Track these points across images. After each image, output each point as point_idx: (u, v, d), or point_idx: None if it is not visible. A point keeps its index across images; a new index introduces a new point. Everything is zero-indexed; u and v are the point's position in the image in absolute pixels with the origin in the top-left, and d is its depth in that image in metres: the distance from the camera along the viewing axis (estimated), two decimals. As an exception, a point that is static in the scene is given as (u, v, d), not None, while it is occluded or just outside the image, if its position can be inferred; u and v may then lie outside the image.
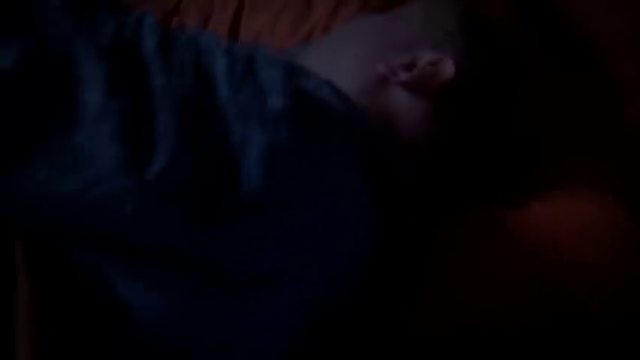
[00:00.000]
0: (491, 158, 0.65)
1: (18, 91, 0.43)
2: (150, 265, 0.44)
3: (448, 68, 0.61)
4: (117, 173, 0.42)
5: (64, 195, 0.42)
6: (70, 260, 0.44)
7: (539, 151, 0.70)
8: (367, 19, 0.74)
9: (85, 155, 0.42)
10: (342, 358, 0.57)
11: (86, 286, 0.45)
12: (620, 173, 0.71)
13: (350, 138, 0.53)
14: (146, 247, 0.44)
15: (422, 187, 0.61)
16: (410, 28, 0.66)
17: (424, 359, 0.57)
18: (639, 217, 0.65)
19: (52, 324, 0.43)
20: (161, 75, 0.46)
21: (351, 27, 0.72)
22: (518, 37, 0.76)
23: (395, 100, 0.62)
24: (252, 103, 0.47)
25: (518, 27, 0.79)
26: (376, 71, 0.62)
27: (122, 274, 0.45)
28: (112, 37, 0.47)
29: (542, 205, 0.64)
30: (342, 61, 0.65)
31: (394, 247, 0.58)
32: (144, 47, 0.47)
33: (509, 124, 0.66)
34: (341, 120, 0.53)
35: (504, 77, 0.66)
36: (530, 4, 0.85)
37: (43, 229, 0.44)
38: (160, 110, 0.44)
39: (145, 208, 0.43)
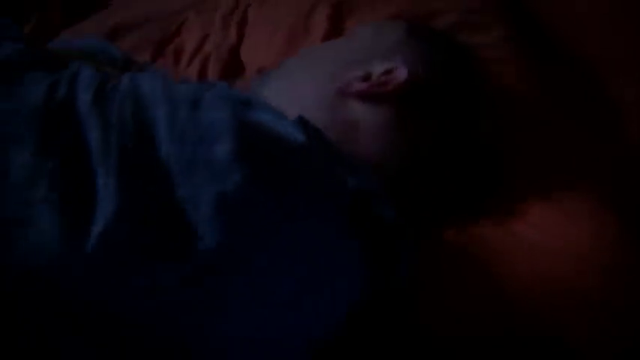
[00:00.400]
0: (455, 167, 0.66)
1: None
2: (90, 325, 0.42)
3: (401, 73, 0.62)
4: (54, 242, 0.40)
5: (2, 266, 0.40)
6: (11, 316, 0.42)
7: (502, 162, 0.70)
8: (321, 44, 0.78)
9: (19, 225, 0.40)
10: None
11: (27, 340, 0.42)
12: (605, 189, 0.71)
13: (312, 171, 0.49)
14: (87, 312, 0.42)
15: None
16: (362, 45, 0.69)
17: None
18: (626, 233, 0.65)
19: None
20: (97, 131, 0.44)
21: (306, 52, 0.75)
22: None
23: (354, 110, 0.63)
24: (197, 153, 0.44)
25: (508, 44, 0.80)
26: (334, 86, 0.64)
27: (62, 329, 0.42)
28: (45, 96, 0.45)
29: (520, 221, 0.64)
30: (301, 84, 0.67)
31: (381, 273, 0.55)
32: (79, 103, 0.45)
33: (470, 130, 0.67)
34: (301, 153, 0.49)
35: (458, 80, 0.67)
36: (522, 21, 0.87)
37: None
38: (97, 169, 0.42)
39: (85, 276, 0.40)
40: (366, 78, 0.64)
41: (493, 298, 0.59)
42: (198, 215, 0.42)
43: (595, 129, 0.79)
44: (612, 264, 0.62)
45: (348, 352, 0.56)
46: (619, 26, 0.87)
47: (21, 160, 0.41)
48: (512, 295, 0.59)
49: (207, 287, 0.43)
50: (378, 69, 0.64)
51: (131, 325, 0.42)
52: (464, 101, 0.67)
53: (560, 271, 0.60)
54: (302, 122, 0.51)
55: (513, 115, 0.74)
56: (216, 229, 0.42)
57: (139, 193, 0.42)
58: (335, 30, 0.86)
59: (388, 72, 0.63)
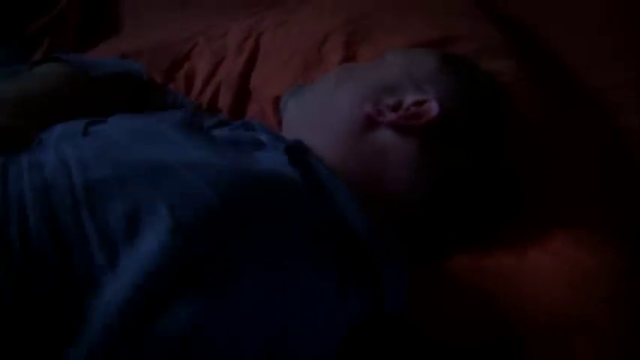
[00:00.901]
0: (477, 196, 0.65)
1: None
2: None
3: (432, 108, 0.61)
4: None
5: None
6: None
7: (522, 190, 0.69)
8: (352, 66, 0.76)
9: None
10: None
11: None
12: (617, 220, 0.70)
13: (286, 203, 0.49)
14: None
15: (409, 232, 0.61)
16: (393, 72, 0.68)
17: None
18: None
19: None
20: None
21: (336, 74, 0.73)
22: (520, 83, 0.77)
23: (382, 139, 0.62)
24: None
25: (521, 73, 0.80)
26: (363, 112, 0.63)
27: None
28: None
29: (533, 251, 0.63)
30: (331, 104, 0.66)
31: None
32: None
33: (496, 161, 0.66)
34: (279, 186, 0.50)
35: (487, 113, 0.66)
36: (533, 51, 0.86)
37: None
38: None
39: None
40: (397, 107, 0.63)
41: (496, 318, 0.59)
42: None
43: (607, 157, 0.79)
44: (622, 295, 0.60)
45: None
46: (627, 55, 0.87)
47: None
48: (517, 317, 0.58)
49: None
50: (409, 99, 0.63)
51: None
52: (492, 134, 0.66)
53: (568, 298, 0.59)
54: (292, 150, 0.54)
55: (535, 144, 0.73)
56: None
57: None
58: (349, 58, 0.85)
59: (419, 103, 0.63)
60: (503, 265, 0.62)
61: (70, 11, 1.07)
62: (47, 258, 0.43)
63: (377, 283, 0.52)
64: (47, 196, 0.45)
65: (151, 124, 0.58)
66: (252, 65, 0.90)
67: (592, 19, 0.89)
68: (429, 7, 0.90)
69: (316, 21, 0.91)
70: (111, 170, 0.46)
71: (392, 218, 0.60)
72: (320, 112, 0.66)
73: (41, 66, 0.74)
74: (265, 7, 1.03)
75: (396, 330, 0.57)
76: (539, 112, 0.77)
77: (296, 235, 0.48)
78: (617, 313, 0.59)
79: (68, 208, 0.44)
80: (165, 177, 0.46)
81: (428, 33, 0.83)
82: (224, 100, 0.88)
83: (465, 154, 0.63)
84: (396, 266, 0.53)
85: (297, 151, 0.56)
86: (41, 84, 0.68)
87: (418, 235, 0.63)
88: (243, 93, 0.88)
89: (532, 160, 0.71)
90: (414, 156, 0.61)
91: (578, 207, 0.70)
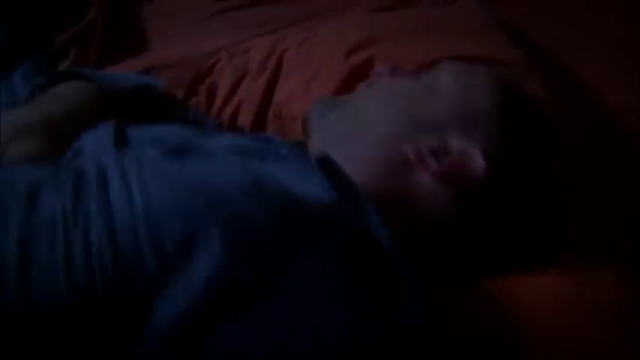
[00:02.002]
0: (514, 239, 0.62)
1: None
2: None
3: (478, 166, 0.57)
4: None
5: None
6: None
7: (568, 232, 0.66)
8: (396, 86, 0.69)
9: None
10: None
11: None
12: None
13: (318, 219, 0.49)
14: None
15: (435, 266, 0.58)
16: (442, 106, 0.62)
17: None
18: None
19: None
20: None
21: (379, 93, 0.68)
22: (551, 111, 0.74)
23: (418, 181, 0.59)
24: None
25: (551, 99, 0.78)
26: (402, 153, 0.59)
27: None
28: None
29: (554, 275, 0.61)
30: (365, 131, 0.63)
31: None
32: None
33: (538, 208, 0.63)
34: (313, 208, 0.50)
35: (538, 171, 0.62)
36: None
37: None
38: None
39: None
40: (439, 152, 0.59)
41: (512, 341, 0.57)
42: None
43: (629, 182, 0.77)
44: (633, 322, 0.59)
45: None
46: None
47: None
48: (535, 341, 0.56)
49: None
50: (454, 145, 0.59)
51: None
52: (538, 187, 0.63)
53: (589, 327, 0.57)
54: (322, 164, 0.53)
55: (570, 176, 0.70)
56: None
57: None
58: (372, 74, 0.84)
59: (463, 153, 0.58)
60: (522, 289, 0.60)
61: (97, 24, 1.08)
62: (106, 271, 0.44)
63: (402, 300, 0.51)
64: (110, 215, 0.46)
65: (195, 141, 0.59)
66: (275, 83, 0.90)
67: (609, 41, 0.89)
68: (453, 27, 0.90)
69: (339, 38, 0.91)
70: (167, 192, 0.47)
71: (418, 245, 0.57)
72: (353, 135, 0.62)
73: (60, 85, 0.72)
74: (287, 24, 1.03)
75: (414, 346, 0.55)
76: (576, 137, 0.75)
77: (335, 254, 0.49)
78: (626, 338, 0.57)
79: (127, 227, 0.46)
80: (217, 200, 0.47)
81: (452, 51, 0.82)
82: (245, 117, 0.88)
83: (505, 206, 0.60)
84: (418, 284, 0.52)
85: (328, 166, 0.54)
86: (63, 106, 0.68)
87: (445, 263, 0.60)
88: (264, 111, 0.88)
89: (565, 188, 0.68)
90: (449, 202, 0.58)
91: (602, 233, 0.68)
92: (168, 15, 1.10)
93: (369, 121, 0.64)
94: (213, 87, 0.91)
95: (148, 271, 0.44)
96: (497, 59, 0.81)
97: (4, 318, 0.43)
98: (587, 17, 0.95)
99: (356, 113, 0.66)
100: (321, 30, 0.95)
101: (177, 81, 0.91)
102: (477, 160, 0.58)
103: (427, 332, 0.53)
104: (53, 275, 0.44)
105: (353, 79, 0.84)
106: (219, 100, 0.89)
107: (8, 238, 0.44)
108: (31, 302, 0.43)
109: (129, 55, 1.04)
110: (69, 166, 0.55)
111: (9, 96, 0.95)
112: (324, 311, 0.46)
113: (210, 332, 0.44)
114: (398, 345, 0.51)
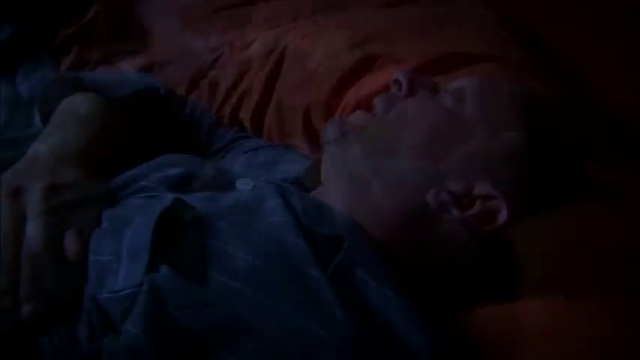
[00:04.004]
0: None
1: None
2: None
3: (502, 215, 0.55)
4: None
5: None
6: None
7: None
8: (417, 114, 0.62)
9: None
10: None
11: None
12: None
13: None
14: None
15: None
16: (466, 142, 0.58)
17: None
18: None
19: None
20: None
21: (399, 126, 0.62)
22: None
23: (439, 226, 0.57)
24: None
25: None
26: (424, 200, 0.56)
27: None
28: None
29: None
30: (385, 175, 0.59)
31: None
32: None
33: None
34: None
35: (561, 199, 0.59)
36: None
37: None
38: None
39: None
40: (463, 197, 0.56)
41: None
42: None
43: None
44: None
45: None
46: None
47: None
48: None
49: None
50: (478, 189, 0.56)
51: None
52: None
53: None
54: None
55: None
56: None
57: None
58: (376, 71, 0.84)
59: (488, 198, 0.56)
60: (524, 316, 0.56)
61: (99, 22, 1.07)
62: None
63: None
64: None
65: (253, 202, 0.58)
66: (277, 76, 0.89)
67: (615, 40, 0.87)
68: (457, 23, 0.89)
69: (342, 34, 0.90)
70: (252, 257, 0.49)
71: (427, 278, 0.56)
72: (368, 175, 0.59)
73: (69, 101, 0.68)
74: (290, 20, 1.02)
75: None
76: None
77: None
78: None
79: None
80: (289, 269, 0.49)
81: (456, 47, 0.81)
82: (246, 111, 0.87)
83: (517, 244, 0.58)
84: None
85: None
86: (85, 130, 0.65)
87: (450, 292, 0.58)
88: (265, 105, 0.87)
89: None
90: (469, 246, 0.57)
91: (608, 255, 0.61)
92: (170, 12, 1.09)
93: (387, 161, 0.59)
94: (214, 82, 0.90)
95: None
96: (500, 57, 0.80)
97: None
98: (591, 15, 0.94)
99: (373, 150, 0.61)
100: (324, 25, 0.94)
101: (180, 75, 0.91)
102: (501, 207, 0.55)
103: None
104: None
105: (356, 74, 0.84)
106: (221, 93, 0.89)
107: None
108: None
109: (130, 52, 1.04)
110: None
111: (10, 93, 0.94)
112: None
113: None
114: None
